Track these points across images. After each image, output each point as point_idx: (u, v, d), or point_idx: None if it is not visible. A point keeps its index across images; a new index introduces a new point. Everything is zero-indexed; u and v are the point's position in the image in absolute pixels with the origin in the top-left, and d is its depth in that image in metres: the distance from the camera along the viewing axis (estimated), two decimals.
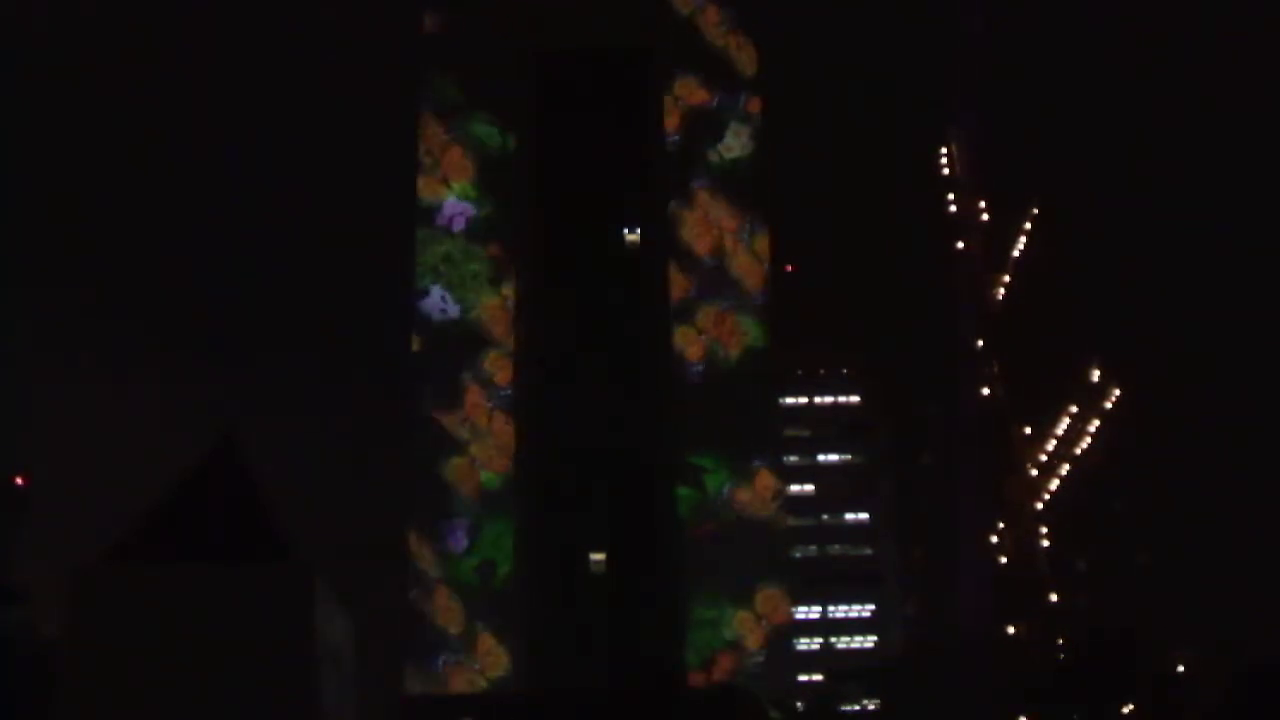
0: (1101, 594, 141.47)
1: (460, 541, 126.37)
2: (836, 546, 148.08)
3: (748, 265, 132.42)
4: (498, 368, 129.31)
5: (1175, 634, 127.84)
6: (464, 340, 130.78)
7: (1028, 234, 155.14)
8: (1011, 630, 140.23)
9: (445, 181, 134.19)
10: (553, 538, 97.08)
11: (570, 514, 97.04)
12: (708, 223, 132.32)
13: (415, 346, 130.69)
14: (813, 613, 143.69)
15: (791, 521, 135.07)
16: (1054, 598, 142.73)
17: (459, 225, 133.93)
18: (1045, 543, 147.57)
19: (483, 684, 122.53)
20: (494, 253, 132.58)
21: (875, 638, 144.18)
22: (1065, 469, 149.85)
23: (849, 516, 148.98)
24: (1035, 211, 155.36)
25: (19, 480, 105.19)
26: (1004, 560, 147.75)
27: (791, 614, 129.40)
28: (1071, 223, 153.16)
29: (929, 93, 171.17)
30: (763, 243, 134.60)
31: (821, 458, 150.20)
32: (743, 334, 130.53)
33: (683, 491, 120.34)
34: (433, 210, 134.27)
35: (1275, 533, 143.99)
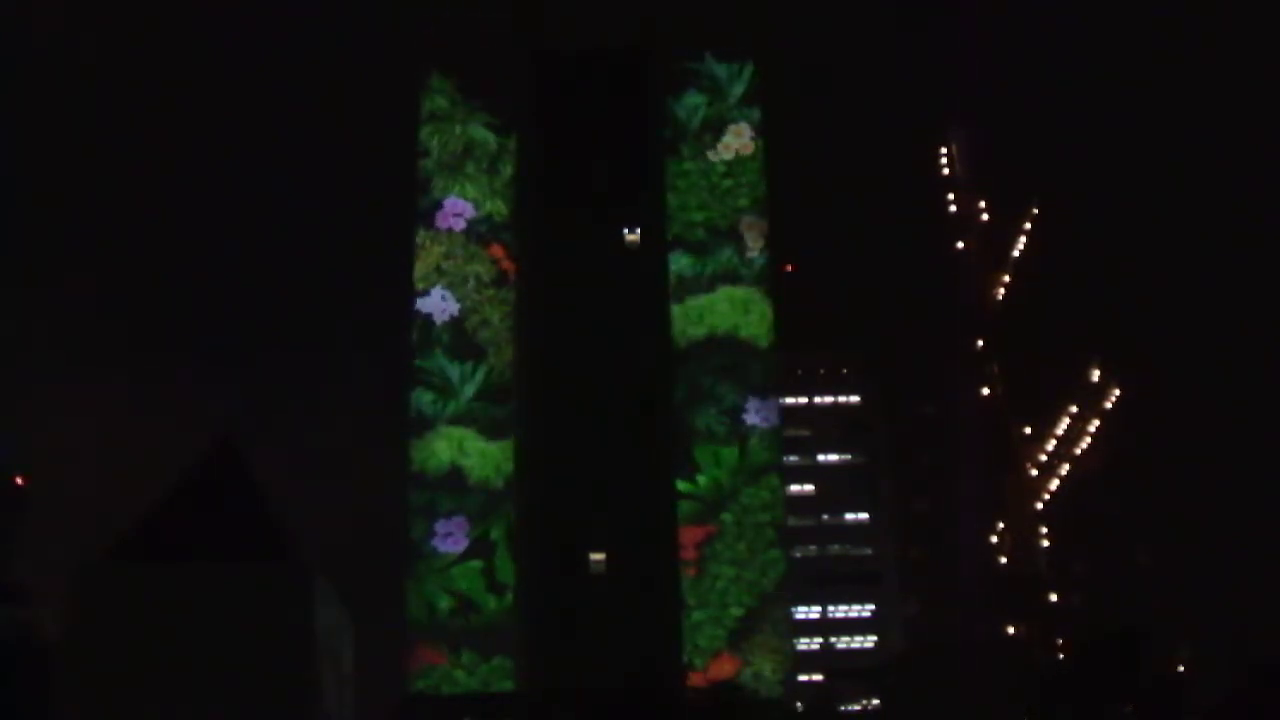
0: (1101, 594, 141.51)
1: (460, 541, 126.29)
2: (836, 546, 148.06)
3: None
4: (498, 367, 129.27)
5: (1175, 634, 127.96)
6: (464, 340, 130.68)
7: (1028, 234, 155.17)
8: (1011, 630, 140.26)
9: (445, 182, 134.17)
10: (553, 538, 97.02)
11: (570, 514, 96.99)
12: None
13: (415, 346, 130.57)
14: (813, 613, 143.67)
15: (792, 521, 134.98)
16: (1054, 598, 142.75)
17: (459, 225, 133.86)
18: (1045, 543, 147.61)
19: (483, 685, 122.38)
20: (494, 253, 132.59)
21: (875, 638, 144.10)
22: (1065, 469, 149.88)
23: (849, 516, 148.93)
24: (1035, 211, 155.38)
25: (19, 480, 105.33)
26: (1004, 560, 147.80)
27: (791, 614, 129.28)
28: (1071, 223, 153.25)
29: (929, 93, 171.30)
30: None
31: (821, 458, 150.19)
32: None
33: (683, 488, 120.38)
34: (433, 210, 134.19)
35: (1275, 532, 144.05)
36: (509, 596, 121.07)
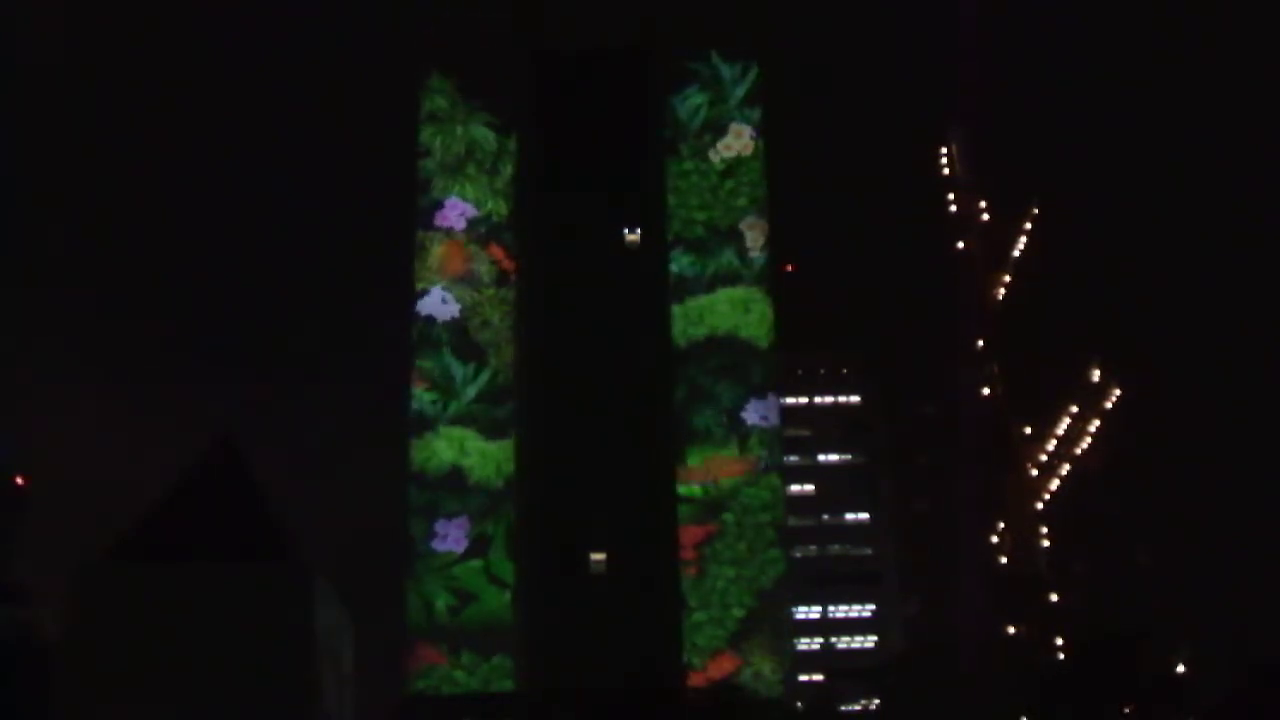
0: (1101, 594, 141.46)
1: (460, 541, 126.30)
2: (836, 546, 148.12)
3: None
4: (499, 367, 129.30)
5: (1175, 634, 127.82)
6: (465, 341, 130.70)
7: (1028, 234, 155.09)
8: (1011, 630, 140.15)
9: (445, 182, 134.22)
10: (553, 538, 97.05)
11: (570, 514, 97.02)
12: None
13: (415, 346, 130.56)
14: (813, 613, 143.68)
15: (792, 521, 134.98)
16: (1054, 598, 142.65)
17: (459, 225, 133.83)
18: (1045, 543, 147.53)
19: (483, 685, 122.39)
20: (494, 253, 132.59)
21: (875, 638, 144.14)
22: (1065, 469, 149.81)
23: (849, 516, 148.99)
24: (1035, 211, 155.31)
25: (19, 480, 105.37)
26: (1004, 560, 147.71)
27: (791, 614, 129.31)
28: (1071, 223, 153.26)
29: (929, 93, 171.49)
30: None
31: (821, 458, 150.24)
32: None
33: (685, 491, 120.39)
34: (433, 210, 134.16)
35: (1275, 532, 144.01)
36: (508, 593, 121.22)
